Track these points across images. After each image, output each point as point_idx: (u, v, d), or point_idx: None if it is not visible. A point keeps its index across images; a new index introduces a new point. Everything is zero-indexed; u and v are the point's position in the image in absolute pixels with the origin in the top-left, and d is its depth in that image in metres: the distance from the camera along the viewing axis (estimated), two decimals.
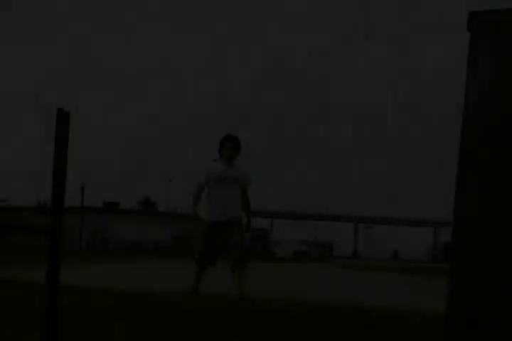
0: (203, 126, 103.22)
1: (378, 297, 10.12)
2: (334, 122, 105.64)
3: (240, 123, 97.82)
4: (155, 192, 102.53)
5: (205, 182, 8.68)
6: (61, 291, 2.61)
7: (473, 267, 1.91)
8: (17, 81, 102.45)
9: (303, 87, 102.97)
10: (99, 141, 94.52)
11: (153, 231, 64.94)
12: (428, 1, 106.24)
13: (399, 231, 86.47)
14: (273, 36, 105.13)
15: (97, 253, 37.19)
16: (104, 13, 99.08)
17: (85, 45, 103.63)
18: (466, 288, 1.92)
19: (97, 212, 65.93)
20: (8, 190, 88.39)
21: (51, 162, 2.58)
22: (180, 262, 32.18)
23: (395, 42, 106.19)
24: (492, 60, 1.97)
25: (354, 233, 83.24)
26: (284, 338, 4.05)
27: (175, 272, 21.12)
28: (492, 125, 1.94)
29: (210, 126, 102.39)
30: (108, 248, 59.67)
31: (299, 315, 4.97)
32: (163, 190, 78.29)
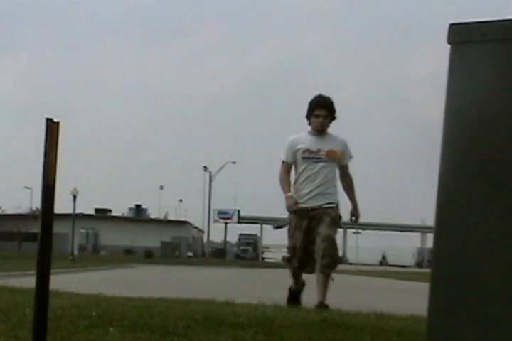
0: (196, 131, 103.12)
1: (363, 300, 10.15)
2: None
3: (228, 130, 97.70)
4: (146, 198, 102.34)
5: (291, 159, 6.74)
6: (52, 297, 2.63)
7: (454, 271, 1.96)
8: (10, 88, 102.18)
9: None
10: (91, 148, 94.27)
11: (144, 237, 64.79)
12: None
13: (387, 236, 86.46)
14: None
15: (89, 259, 37.07)
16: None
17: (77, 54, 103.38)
18: (448, 291, 1.96)
19: (89, 219, 65.73)
20: (1, 197, 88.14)
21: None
22: (169, 268, 32.18)
23: None
24: (471, 71, 2.03)
25: (343, 238, 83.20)
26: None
27: (165, 277, 21.15)
28: (472, 132, 1.99)
29: (205, 131, 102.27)
30: (99, 254, 59.50)
31: (291, 320, 4.99)
32: (154, 197, 78.34)
